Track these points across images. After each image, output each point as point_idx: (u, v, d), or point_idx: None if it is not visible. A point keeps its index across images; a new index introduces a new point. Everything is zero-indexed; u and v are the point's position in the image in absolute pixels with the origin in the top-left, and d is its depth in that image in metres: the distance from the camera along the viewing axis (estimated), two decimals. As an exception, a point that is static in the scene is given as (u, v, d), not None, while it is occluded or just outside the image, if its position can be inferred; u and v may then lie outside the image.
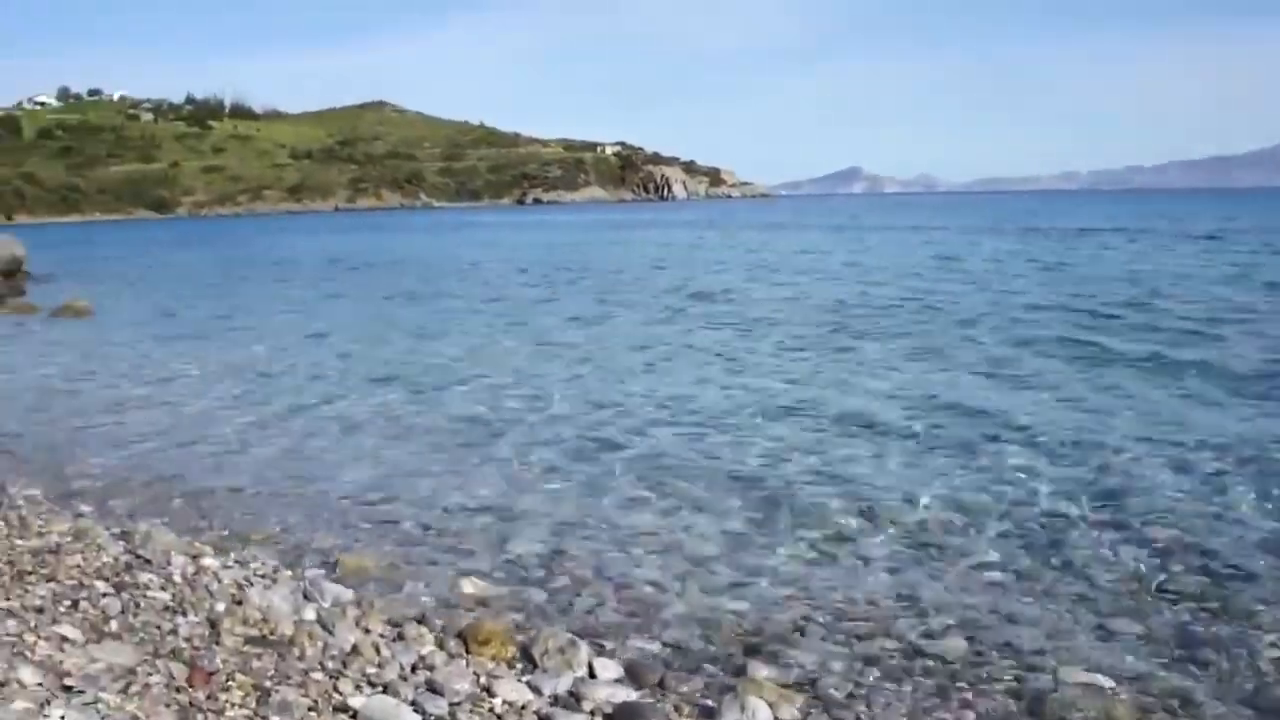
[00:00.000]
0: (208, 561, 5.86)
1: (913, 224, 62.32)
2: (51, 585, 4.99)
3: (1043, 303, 19.01)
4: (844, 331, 16.07)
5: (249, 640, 4.63)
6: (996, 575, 6.03)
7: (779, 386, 11.75)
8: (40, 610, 4.58)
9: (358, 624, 5.00)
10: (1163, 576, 5.94)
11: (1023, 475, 7.90)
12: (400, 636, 4.89)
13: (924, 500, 7.33)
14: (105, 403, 11.90)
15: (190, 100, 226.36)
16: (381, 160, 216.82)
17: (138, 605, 4.92)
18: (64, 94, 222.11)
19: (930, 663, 4.95)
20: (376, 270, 34.59)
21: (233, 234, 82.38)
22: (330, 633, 4.83)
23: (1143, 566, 6.09)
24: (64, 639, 4.24)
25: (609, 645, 4.99)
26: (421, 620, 5.13)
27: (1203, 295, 19.39)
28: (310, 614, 5.10)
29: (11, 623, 4.32)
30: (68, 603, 4.78)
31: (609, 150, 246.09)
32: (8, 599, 4.67)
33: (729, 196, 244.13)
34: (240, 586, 5.42)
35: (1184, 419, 9.58)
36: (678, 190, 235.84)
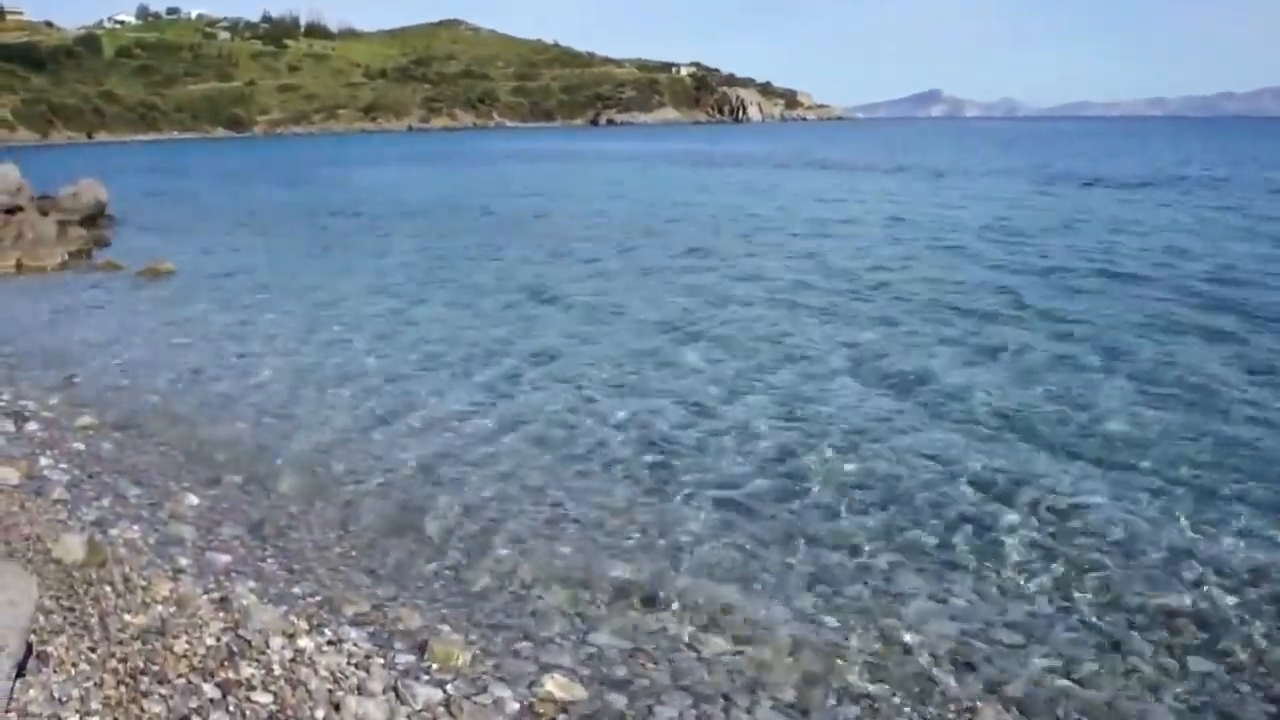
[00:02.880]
0: (304, 643, 6.13)
1: (1000, 167, 61.19)
2: (162, 692, 5.26)
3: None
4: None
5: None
6: None
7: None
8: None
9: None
10: None
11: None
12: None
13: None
14: (190, 406, 12.28)
15: (266, 19, 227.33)
16: (455, 79, 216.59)
17: (244, 716, 5.20)
18: (143, 12, 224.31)
19: None
20: (478, 223, 34.56)
21: (308, 160, 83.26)
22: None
23: None
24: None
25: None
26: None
27: None
28: (403, 722, 5.37)
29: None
30: None
31: (684, 71, 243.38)
32: None
33: (804, 119, 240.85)
34: (336, 680, 5.69)
35: None
36: (753, 113, 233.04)
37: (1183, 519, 8.18)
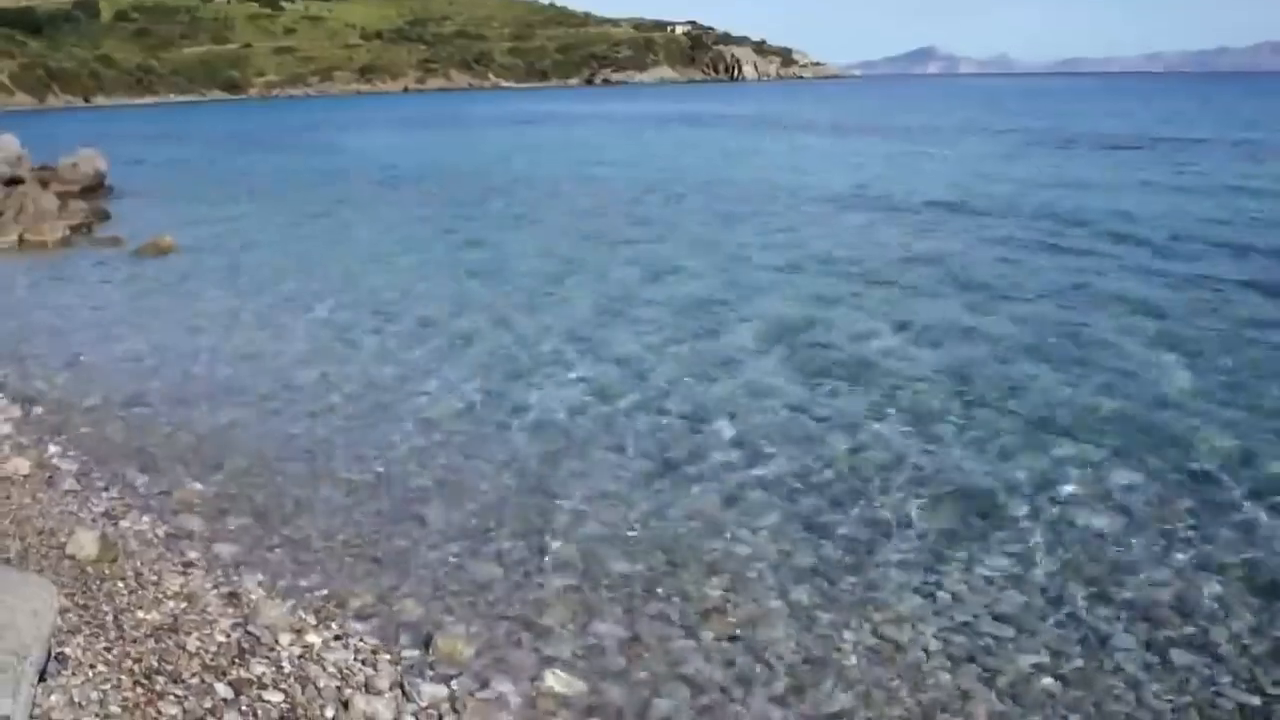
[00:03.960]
0: (312, 639, 6.34)
1: (1002, 127, 61.10)
2: (178, 692, 5.46)
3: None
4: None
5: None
6: None
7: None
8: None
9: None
10: None
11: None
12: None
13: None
14: (194, 388, 12.45)
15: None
16: (450, 40, 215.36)
17: (256, 716, 5.40)
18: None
19: None
20: (476, 191, 34.67)
21: (304, 124, 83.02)
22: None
23: None
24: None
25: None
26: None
27: None
28: None
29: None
30: None
31: (679, 30, 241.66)
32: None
33: (799, 78, 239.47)
34: (344, 678, 5.90)
35: None
36: (748, 71, 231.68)
37: (1169, 508, 8.37)
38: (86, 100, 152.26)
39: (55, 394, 12.12)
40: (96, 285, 18.91)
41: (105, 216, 27.54)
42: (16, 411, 11.35)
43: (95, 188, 32.48)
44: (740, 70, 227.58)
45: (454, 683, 5.98)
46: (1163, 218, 22.62)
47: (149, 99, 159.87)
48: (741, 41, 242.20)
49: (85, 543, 7.28)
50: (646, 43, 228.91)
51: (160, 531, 8.13)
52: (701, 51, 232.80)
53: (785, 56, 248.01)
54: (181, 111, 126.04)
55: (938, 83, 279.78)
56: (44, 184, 28.41)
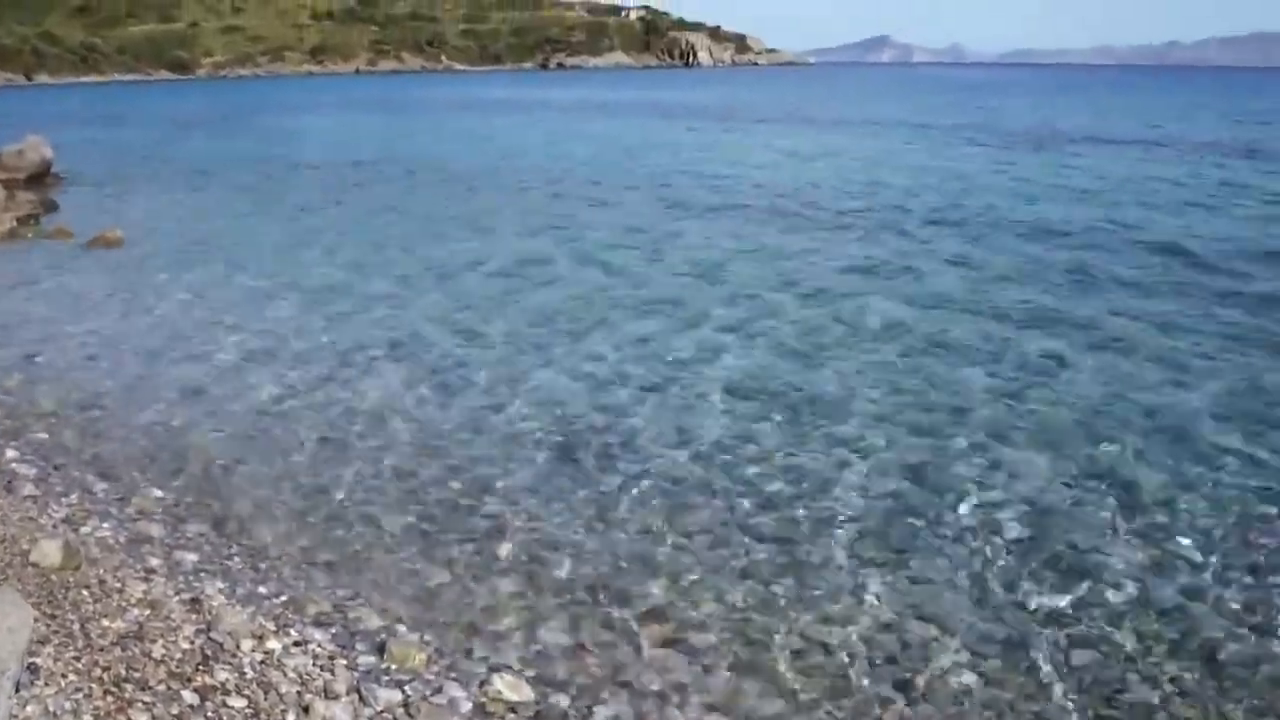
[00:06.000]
0: (272, 645, 6.66)
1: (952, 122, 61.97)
2: (146, 699, 5.78)
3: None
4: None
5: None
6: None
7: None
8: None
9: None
10: None
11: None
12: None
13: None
14: (148, 389, 12.64)
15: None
16: (403, 22, 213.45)
17: (221, 721, 5.74)
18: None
19: None
20: (430, 180, 34.83)
21: (253, 106, 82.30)
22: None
23: None
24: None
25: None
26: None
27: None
28: (365, 726, 5.94)
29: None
30: (163, 724, 5.60)
31: (634, 15, 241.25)
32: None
33: (754, 64, 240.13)
34: (304, 683, 6.24)
35: None
36: (703, 57, 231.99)
37: (1084, 511, 8.89)
38: (28, 78, 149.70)
39: (9, 397, 12.26)
40: (47, 281, 18.92)
41: (53, 207, 27.38)
42: (-28, 416, 11.51)
43: (42, 175, 32.26)
44: (695, 56, 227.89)
45: (408, 688, 6.34)
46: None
47: (93, 77, 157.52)
48: (697, 27, 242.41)
49: (49, 551, 7.54)
50: (601, 27, 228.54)
51: (121, 538, 8.40)
52: (656, 37, 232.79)
53: (740, 43, 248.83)
54: (127, 92, 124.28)
55: (886, 71, 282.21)
56: (-11, 173, 28.22)
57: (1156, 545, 8.32)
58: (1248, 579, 7.81)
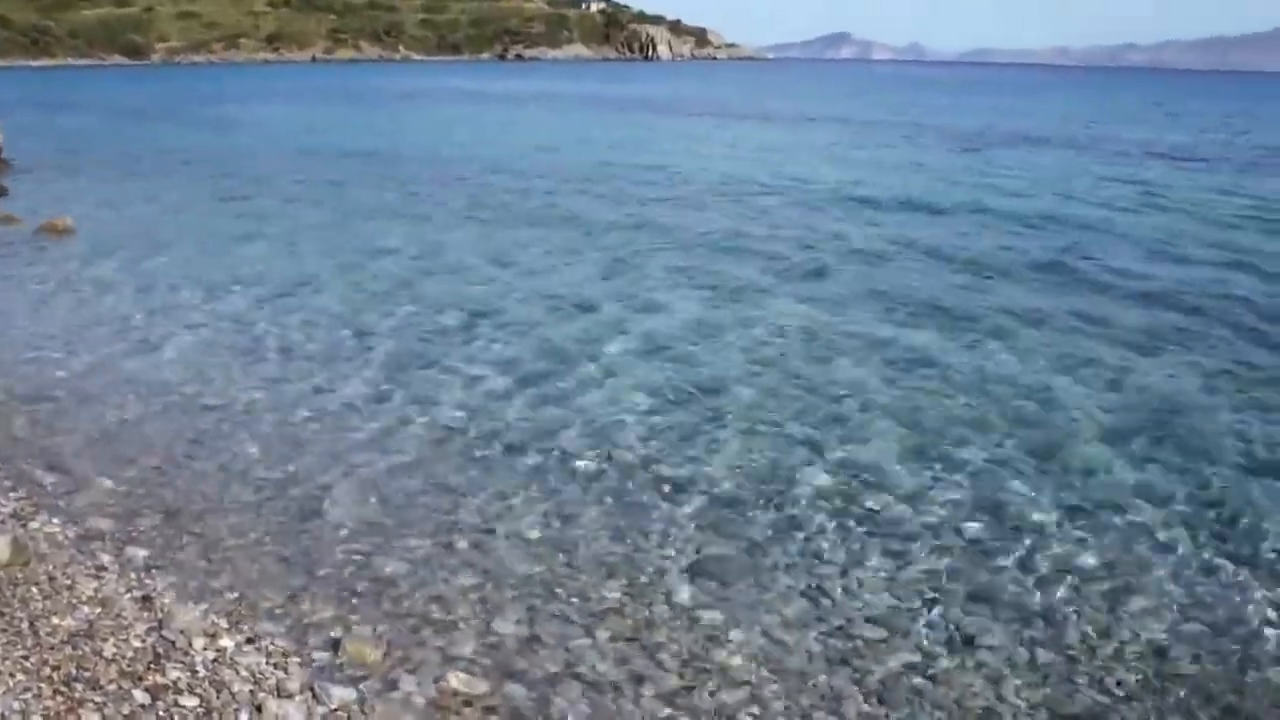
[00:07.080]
0: (224, 643, 6.61)
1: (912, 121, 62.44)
2: (96, 699, 5.72)
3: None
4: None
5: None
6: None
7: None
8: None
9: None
10: None
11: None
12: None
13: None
14: (98, 381, 12.46)
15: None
16: (360, 10, 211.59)
17: (173, 720, 5.69)
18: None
19: None
20: (384, 172, 34.65)
21: (209, 94, 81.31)
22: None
23: None
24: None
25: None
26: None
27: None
28: (319, 724, 5.92)
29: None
30: (114, 725, 5.54)
31: (594, 8, 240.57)
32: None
33: (714, 58, 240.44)
34: (257, 681, 6.20)
35: None
36: (663, 51, 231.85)
37: (1035, 512, 9.02)
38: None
39: (-46, 389, 12.07)
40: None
41: (2, 193, 26.93)
42: (-83, 408, 11.32)
43: (-10, 161, 31.70)
44: (655, 50, 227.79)
45: (362, 685, 6.31)
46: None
47: (44, 61, 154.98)
48: (657, 20, 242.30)
49: (-3, 546, 7.43)
50: (560, 19, 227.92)
51: (71, 533, 8.28)
52: (616, 30, 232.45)
53: (700, 37, 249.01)
54: (80, 76, 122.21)
55: (844, 67, 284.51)
56: (-64, 158, 27.68)
57: (1105, 548, 8.45)
58: (1202, 578, 7.98)
